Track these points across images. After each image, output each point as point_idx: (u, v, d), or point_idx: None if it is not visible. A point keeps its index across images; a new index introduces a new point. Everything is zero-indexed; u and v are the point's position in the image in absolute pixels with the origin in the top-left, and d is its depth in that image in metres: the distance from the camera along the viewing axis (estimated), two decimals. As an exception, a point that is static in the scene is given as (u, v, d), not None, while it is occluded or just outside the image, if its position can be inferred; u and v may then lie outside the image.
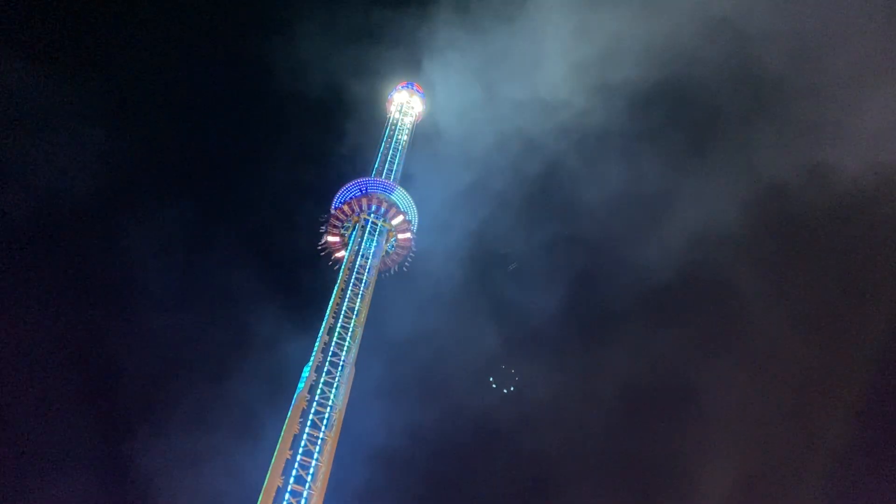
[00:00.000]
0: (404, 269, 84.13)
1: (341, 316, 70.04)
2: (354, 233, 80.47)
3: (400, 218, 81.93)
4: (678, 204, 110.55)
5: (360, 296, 73.08)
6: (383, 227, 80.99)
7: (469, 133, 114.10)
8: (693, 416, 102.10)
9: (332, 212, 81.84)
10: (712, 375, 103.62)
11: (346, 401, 63.82)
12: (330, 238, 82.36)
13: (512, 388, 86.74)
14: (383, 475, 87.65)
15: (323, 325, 68.44)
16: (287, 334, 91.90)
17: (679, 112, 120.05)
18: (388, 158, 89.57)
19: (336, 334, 67.92)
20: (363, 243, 78.12)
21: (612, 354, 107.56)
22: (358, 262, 75.65)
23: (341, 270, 75.27)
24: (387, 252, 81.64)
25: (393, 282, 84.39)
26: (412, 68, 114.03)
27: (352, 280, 73.95)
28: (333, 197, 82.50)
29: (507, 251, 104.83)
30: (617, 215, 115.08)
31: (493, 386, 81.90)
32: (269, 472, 55.38)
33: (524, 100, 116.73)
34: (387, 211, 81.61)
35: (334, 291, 72.52)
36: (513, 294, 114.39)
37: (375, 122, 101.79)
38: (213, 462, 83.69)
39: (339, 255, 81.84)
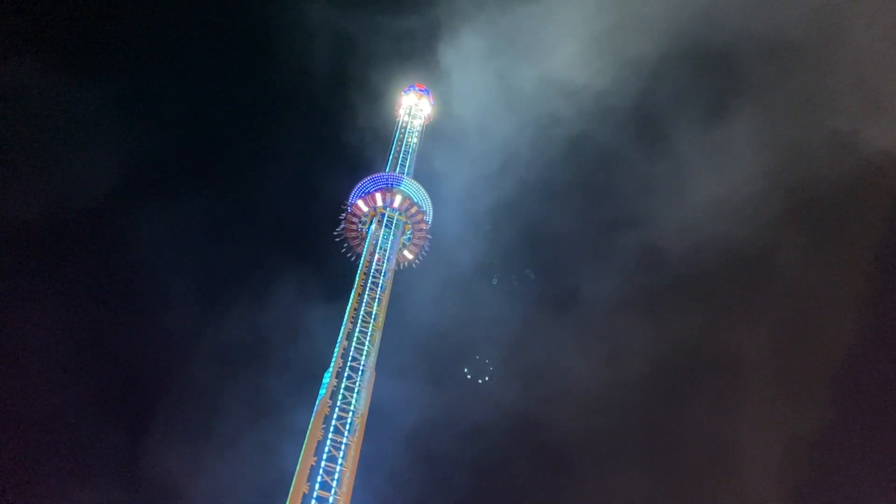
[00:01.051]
0: (418, 260, 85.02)
1: (359, 321, 70.27)
2: (371, 227, 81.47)
3: (414, 210, 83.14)
4: (704, 175, 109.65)
5: (377, 300, 73.32)
6: (399, 220, 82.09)
7: (486, 120, 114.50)
8: (730, 389, 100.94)
9: (349, 207, 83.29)
10: (747, 348, 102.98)
11: (368, 405, 63.94)
12: (348, 233, 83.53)
13: (487, 378, 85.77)
14: (410, 460, 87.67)
15: (342, 331, 68.65)
16: (307, 330, 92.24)
17: (701, 80, 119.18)
18: (400, 161, 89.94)
19: (355, 339, 68.14)
20: (380, 237, 79.28)
21: (642, 331, 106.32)
22: (375, 257, 76.53)
23: (357, 273, 75.47)
24: (403, 244, 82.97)
25: (417, 270, 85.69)
26: (426, 55, 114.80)
27: (368, 283, 74.10)
28: (349, 191, 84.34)
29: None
30: (642, 191, 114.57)
31: (468, 377, 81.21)
32: (294, 479, 55.56)
33: (544, 77, 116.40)
34: (402, 204, 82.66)
35: (351, 296, 72.70)
36: (540, 273, 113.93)
37: (387, 115, 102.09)
38: (232, 462, 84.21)
39: (358, 249, 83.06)
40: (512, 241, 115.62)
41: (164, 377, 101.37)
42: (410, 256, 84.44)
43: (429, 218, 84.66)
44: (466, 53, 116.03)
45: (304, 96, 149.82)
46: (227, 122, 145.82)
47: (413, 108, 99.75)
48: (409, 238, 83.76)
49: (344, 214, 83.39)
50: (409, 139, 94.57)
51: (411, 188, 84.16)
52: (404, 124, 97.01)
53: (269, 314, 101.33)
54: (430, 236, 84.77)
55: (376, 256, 77.40)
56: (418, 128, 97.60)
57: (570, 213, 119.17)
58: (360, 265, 76.81)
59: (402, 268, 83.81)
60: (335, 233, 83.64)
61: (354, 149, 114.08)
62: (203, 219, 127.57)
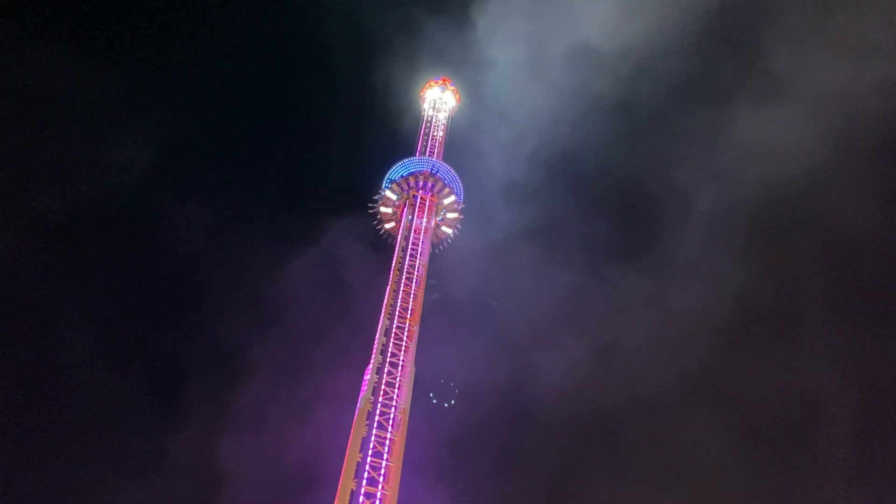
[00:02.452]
0: (449, 241, 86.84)
1: (396, 316, 70.60)
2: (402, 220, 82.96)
3: (446, 191, 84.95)
4: (753, 132, 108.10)
5: (412, 295, 73.62)
6: (431, 202, 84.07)
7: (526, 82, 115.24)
8: (796, 345, 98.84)
9: (382, 192, 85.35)
10: (809, 303, 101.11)
11: (410, 400, 64.24)
12: (382, 216, 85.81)
13: (453, 402, 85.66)
14: (456, 437, 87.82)
15: (379, 327, 68.99)
16: (345, 321, 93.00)
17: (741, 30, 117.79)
18: (428, 149, 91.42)
19: (393, 335, 68.50)
20: (413, 221, 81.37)
21: (693, 289, 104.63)
22: (410, 241, 78.51)
23: (392, 263, 75.94)
24: (436, 225, 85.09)
25: (459, 244, 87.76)
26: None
27: (402, 278, 74.38)
28: (382, 177, 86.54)
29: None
30: (689, 150, 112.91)
31: (434, 402, 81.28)
32: (341, 476, 56.04)
33: (575, 54, 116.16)
34: (433, 185, 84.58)
35: (387, 293, 73.03)
36: (586, 235, 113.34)
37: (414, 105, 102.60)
38: (276, 457, 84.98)
39: (392, 230, 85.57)
40: (573, 204, 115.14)
41: (208, 371, 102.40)
42: (445, 234, 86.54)
43: (461, 197, 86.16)
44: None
45: (332, 75, 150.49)
46: (253, 105, 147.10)
47: (437, 101, 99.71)
48: (442, 219, 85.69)
49: (378, 196, 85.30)
50: (435, 133, 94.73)
51: (441, 170, 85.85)
52: (429, 118, 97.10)
53: (307, 305, 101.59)
54: (462, 216, 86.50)
55: (409, 244, 78.22)
56: (444, 121, 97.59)
57: (624, 180, 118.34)
58: (394, 261, 77.14)
59: (437, 252, 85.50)
60: (371, 209, 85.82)
61: (388, 134, 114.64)
62: (236, 202, 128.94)
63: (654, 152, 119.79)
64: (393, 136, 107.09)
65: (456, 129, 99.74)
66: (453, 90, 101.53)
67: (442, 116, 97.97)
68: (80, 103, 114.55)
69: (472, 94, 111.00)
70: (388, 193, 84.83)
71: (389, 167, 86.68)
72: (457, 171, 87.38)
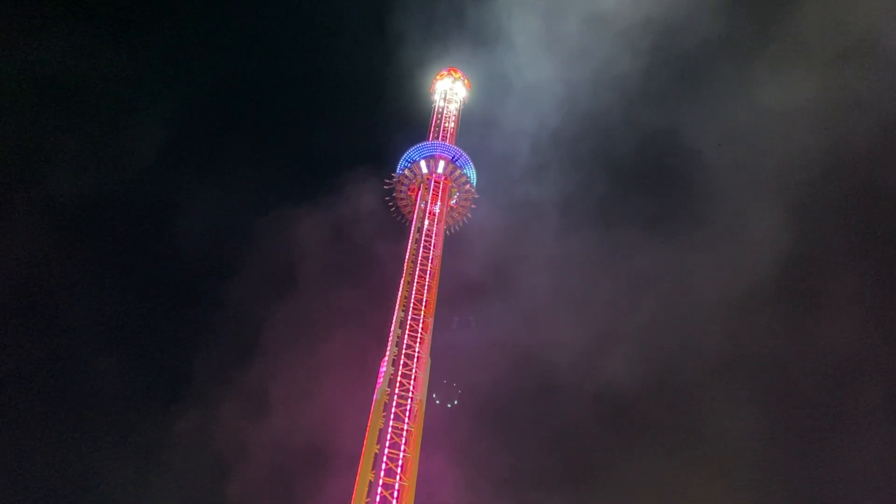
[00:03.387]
0: (463, 223, 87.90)
1: (410, 308, 70.42)
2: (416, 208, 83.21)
3: (458, 174, 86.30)
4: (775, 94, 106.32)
5: (426, 287, 73.42)
6: (445, 185, 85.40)
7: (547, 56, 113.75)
8: (824, 314, 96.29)
9: (396, 176, 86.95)
10: (838, 270, 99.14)
11: (426, 391, 64.07)
12: (398, 200, 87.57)
13: (456, 402, 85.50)
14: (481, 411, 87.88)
15: (394, 319, 68.85)
16: (361, 302, 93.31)
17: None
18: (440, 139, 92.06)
19: (408, 327, 68.34)
20: (427, 204, 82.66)
21: (717, 256, 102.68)
22: (424, 230, 79.42)
23: (406, 255, 75.72)
24: (451, 208, 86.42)
25: (474, 222, 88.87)
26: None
27: (416, 269, 74.19)
28: (393, 161, 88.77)
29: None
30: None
31: (437, 402, 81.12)
32: (359, 468, 56.00)
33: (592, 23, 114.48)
34: (445, 168, 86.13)
35: (401, 285, 72.86)
36: (603, 207, 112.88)
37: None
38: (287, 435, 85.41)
39: (406, 213, 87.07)
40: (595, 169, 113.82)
41: (222, 357, 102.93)
42: (460, 216, 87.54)
43: (473, 180, 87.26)
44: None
45: (345, 56, 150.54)
46: (265, 81, 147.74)
47: (448, 92, 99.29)
48: (456, 202, 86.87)
49: (393, 178, 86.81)
50: (447, 125, 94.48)
51: (453, 153, 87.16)
52: (440, 109, 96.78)
53: (319, 288, 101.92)
54: (476, 196, 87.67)
55: (423, 234, 78.69)
56: (454, 112, 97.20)
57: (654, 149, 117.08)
58: (408, 252, 76.94)
59: (450, 233, 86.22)
60: (387, 185, 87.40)
61: (401, 120, 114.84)
62: (249, 181, 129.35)
63: (676, 117, 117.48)
64: (406, 123, 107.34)
65: (471, 106, 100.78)
66: (462, 79, 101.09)
67: (453, 107, 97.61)
68: (91, 86, 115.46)
69: (487, 68, 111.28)
70: (405, 173, 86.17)
71: (401, 154, 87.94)
72: (471, 152, 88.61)
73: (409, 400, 62.21)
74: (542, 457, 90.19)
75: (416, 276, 73.66)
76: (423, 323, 69.47)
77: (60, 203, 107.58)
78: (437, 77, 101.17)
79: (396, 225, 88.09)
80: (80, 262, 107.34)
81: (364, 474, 55.77)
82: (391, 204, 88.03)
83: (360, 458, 57.21)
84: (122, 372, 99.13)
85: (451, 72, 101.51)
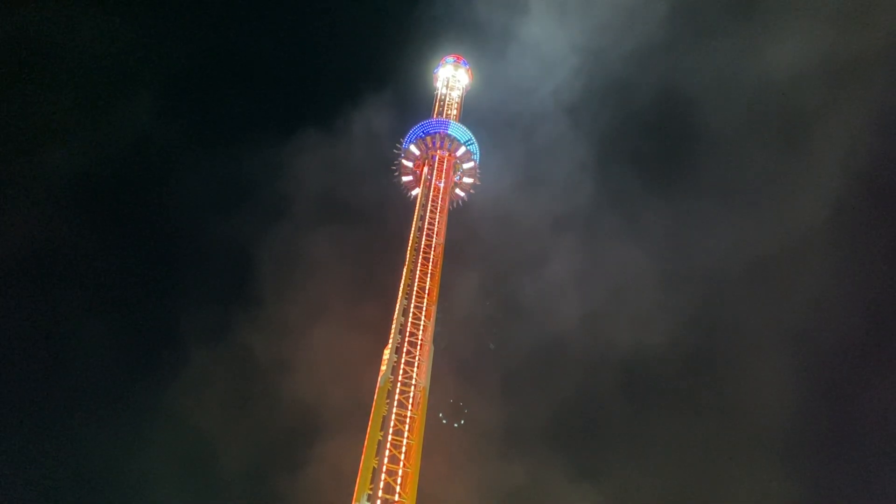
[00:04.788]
0: (465, 199, 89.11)
1: (413, 296, 70.52)
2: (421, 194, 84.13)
3: (462, 150, 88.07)
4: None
5: (429, 275, 73.49)
6: (449, 161, 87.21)
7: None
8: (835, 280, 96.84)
9: (402, 153, 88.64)
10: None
11: (429, 379, 64.29)
12: (404, 175, 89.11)
13: (462, 422, 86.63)
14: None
15: (397, 307, 68.99)
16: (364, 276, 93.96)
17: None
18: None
19: (411, 314, 68.46)
20: (432, 181, 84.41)
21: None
22: (427, 209, 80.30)
23: (408, 249, 75.67)
24: (455, 183, 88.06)
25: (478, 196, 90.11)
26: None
27: (420, 255, 74.24)
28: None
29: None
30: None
31: (444, 421, 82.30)
32: (363, 455, 56.30)
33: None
34: (451, 145, 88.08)
35: (404, 272, 72.91)
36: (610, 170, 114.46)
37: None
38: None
39: (411, 188, 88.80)
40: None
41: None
42: (462, 193, 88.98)
43: (476, 157, 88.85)
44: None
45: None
46: (258, 60, 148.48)
47: (451, 79, 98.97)
48: (460, 178, 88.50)
49: (398, 160, 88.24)
50: (449, 112, 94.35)
51: (458, 130, 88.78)
52: (442, 97, 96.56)
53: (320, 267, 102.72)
54: (479, 170, 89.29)
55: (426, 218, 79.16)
56: (457, 99, 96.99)
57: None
58: (410, 240, 76.97)
59: (454, 207, 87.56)
60: (394, 166, 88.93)
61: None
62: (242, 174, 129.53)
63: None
64: (406, 111, 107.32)
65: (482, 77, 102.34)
66: (466, 68, 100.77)
67: (455, 94, 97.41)
68: (81, 53, 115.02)
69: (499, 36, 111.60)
70: (411, 149, 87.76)
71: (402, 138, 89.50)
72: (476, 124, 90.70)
73: (412, 387, 62.49)
74: (560, 417, 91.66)
75: (419, 265, 73.74)
76: (426, 311, 69.65)
77: (54, 173, 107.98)
78: (441, 63, 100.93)
79: (395, 190, 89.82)
80: (73, 232, 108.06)
81: (368, 461, 56.06)
82: (395, 172, 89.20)
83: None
84: (113, 337, 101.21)
85: (457, 59, 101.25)
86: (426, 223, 78.61)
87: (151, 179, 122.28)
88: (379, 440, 57.61)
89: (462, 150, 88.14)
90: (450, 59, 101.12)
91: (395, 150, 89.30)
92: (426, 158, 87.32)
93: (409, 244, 76.61)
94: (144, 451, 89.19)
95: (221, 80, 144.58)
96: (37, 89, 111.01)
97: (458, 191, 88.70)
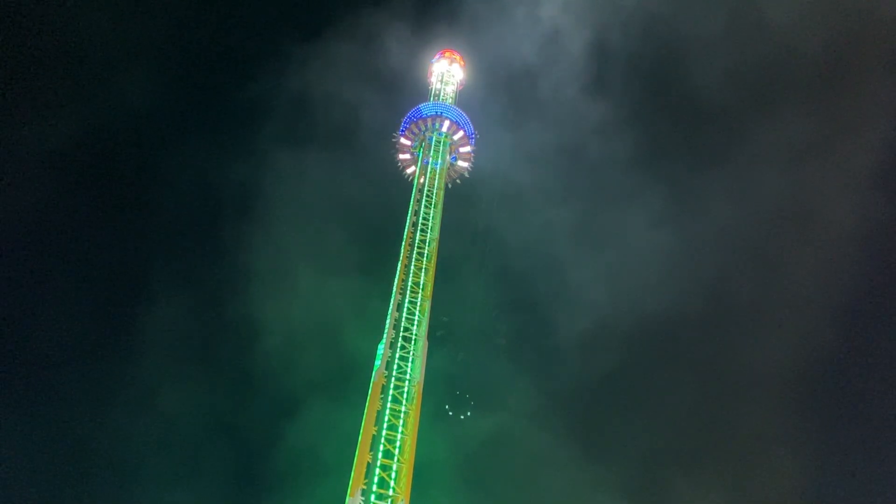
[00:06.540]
0: (459, 181, 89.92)
1: (408, 291, 70.77)
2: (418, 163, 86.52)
3: (460, 133, 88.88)
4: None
5: (423, 270, 73.70)
6: (446, 142, 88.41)
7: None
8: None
9: (399, 136, 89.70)
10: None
11: (423, 373, 64.56)
12: (401, 156, 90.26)
13: (469, 413, 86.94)
14: None
15: (391, 302, 69.18)
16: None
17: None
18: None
19: (405, 309, 68.72)
20: (429, 164, 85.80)
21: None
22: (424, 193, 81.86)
23: (402, 244, 75.86)
24: (451, 164, 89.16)
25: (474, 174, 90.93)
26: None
27: (416, 248, 74.45)
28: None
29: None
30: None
31: (450, 413, 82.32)
32: (357, 449, 56.59)
33: None
34: (446, 127, 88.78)
35: (398, 268, 73.10)
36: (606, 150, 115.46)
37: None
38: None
39: (409, 170, 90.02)
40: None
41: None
42: (465, 165, 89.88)
43: (470, 132, 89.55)
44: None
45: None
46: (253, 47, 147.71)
47: (445, 74, 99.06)
48: (455, 159, 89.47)
49: (396, 137, 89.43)
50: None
51: (453, 113, 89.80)
52: (437, 92, 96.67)
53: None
54: (474, 149, 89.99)
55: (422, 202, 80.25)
56: (451, 95, 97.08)
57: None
58: (405, 237, 77.05)
59: (450, 187, 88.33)
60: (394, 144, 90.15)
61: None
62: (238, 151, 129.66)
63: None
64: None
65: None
66: (460, 61, 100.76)
67: (450, 90, 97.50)
68: (79, 29, 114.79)
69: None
70: (403, 140, 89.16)
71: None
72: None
73: (407, 382, 62.77)
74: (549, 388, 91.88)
75: (414, 259, 73.98)
76: (420, 307, 69.92)
77: (48, 147, 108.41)
78: (436, 56, 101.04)
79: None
80: (69, 203, 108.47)
81: (362, 455, 56.33)
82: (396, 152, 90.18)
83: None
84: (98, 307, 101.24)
85: (450, 53, 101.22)
86: (420, 217, 78.76)
87: (150, 151, 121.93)
88: (373, 434, 58.00)
89: (447, 123, 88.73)
90: (443, 52, 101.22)
91: (392, 139, 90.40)
92: (423, 140, 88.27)
93: (405, 241, 76.67)
94: (117, 410, 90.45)
95: (217, 67, 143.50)
96: (30, 62, 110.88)
97: (460, 162, 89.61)
